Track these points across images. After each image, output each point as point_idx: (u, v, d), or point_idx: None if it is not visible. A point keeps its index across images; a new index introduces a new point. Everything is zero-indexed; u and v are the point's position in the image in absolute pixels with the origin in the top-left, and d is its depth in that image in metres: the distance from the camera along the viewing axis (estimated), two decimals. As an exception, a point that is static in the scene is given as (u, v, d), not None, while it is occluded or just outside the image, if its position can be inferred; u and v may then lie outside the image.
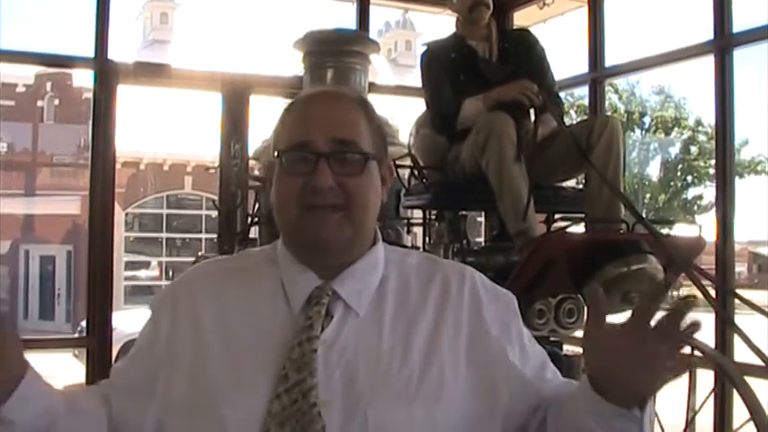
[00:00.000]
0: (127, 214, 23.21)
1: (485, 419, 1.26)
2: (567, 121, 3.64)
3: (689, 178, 28.95)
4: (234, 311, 1.29)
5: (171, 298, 1.36)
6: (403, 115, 4.61)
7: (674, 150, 29.44)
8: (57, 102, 24.13)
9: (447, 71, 3.50)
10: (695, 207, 28.45)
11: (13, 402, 1.12)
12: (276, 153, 1.30)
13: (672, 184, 29.09)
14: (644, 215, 3.17)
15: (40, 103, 24.19)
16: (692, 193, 29.32)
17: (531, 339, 1.38)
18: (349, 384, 1.20)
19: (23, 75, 23.42)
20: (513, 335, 1.33)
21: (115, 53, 4.67)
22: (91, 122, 4.74)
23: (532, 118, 3.43)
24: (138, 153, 22.08)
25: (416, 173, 3.64)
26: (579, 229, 3.23)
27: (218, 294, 1.31)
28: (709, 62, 4.24)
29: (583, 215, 3.29)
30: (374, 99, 4.99)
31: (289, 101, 1.37)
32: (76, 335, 10.96)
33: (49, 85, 23.85)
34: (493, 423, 1.27)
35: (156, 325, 1.34)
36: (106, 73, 4.62)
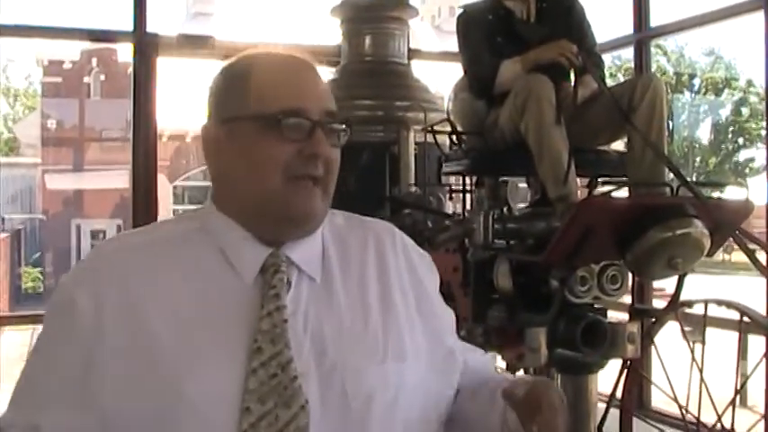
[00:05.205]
0: (175, 187, 23.49)
1: (441, 378, 1.31)
2: (609, 82, 3.55)
3: (740, 140, 28.43)
4: (174, 286, 1.19)
5: (88, 282, 1.19)
6: (447, 82, 4.54)
7: (725, 112, 28.93)
8: (102, 77, 24.46)
9: (484, 33, 3.42)
10: (747, 169, 27.96)
11: None
12: (254, 115, 1.20)
13: (722, 146, 28.59)
14: (693, 179, 3.07)
15: (86, 80, 24.54)
16: (743, 155, 28.83)
17: None
18: (321, 354, 1.17)
19: (69, 52, 23.79)
20: (436, 293, 1.39)
21: (158, 27, 4.71)
22: (132, 94, 4.76)
23: (572, 80, 3.35)
24: (184, 126, 22.27)
25: (455, 138, 3.58)
26: (623, 193, 3.16)
27: (152, 269, 1.20)
28: (759, 18, 4.11)
29: (626, 179, 3.21)
30: (417, 66, 4.94)
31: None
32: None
33: (94, 61, 24.17)
34: (447, 382, 1.33)
35: (71, 316, 1.16)
36: (145, 45, 4.65)
